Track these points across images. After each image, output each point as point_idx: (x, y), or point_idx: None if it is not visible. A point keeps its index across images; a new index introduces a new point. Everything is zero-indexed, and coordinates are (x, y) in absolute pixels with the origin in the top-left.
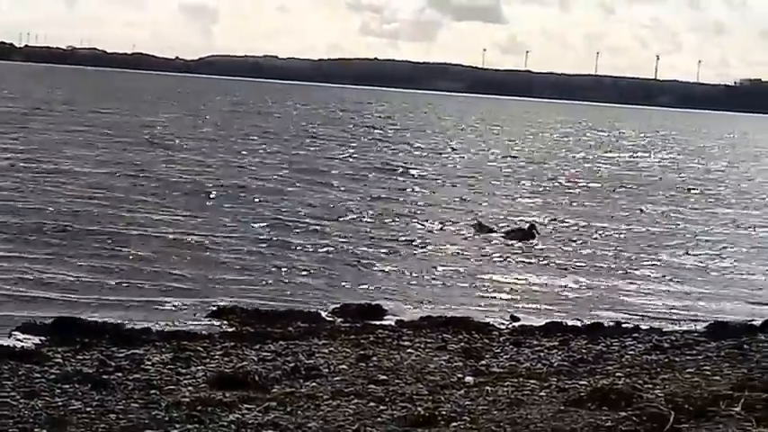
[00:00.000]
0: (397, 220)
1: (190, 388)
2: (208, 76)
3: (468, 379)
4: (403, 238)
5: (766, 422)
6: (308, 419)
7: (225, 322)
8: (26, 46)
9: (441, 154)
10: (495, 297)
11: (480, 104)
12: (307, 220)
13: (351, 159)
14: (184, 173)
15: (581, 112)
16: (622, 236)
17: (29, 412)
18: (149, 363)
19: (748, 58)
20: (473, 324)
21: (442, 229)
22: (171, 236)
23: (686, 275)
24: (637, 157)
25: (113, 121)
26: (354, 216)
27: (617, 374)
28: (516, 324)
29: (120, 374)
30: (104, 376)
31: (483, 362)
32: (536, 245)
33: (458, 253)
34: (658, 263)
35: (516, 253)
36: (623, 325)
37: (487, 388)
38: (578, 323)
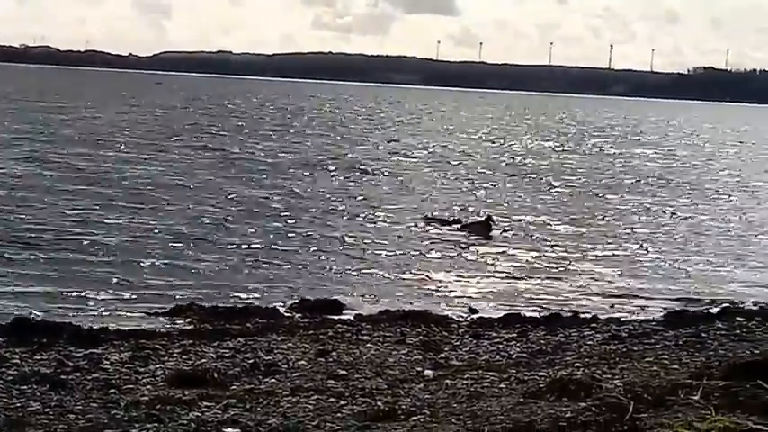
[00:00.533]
0: (348, 214)
1: (149, 386)
2: (164, 73)
3: (428, 372)
4: (356, 233)
5: (725, 410)
6: (267, 416)
7: (183, 320)
8: None
9: (395, 148)
10: (452, 290)
11: (435, 97)
12: (252, 215)
13: (300, 154)
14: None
15: (530, 102)
16: (576, 228)
17: None
18: (108, 362)
19: (701, 47)
20: (431, 317)
21: (396, 222)
22: (121, 235)
23: (638, 267)
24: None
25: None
26: (305, 210)
27: (576, 365)
28: (475, 316)
29: (78, 374)
30: (63, 376)
31: (442, 355)
32: (492, 237)
33: (412, 246)
34: (610, 254)
35: (473, 245)
36: (581, 315)
37: (447, 381)
38: (537, 314)
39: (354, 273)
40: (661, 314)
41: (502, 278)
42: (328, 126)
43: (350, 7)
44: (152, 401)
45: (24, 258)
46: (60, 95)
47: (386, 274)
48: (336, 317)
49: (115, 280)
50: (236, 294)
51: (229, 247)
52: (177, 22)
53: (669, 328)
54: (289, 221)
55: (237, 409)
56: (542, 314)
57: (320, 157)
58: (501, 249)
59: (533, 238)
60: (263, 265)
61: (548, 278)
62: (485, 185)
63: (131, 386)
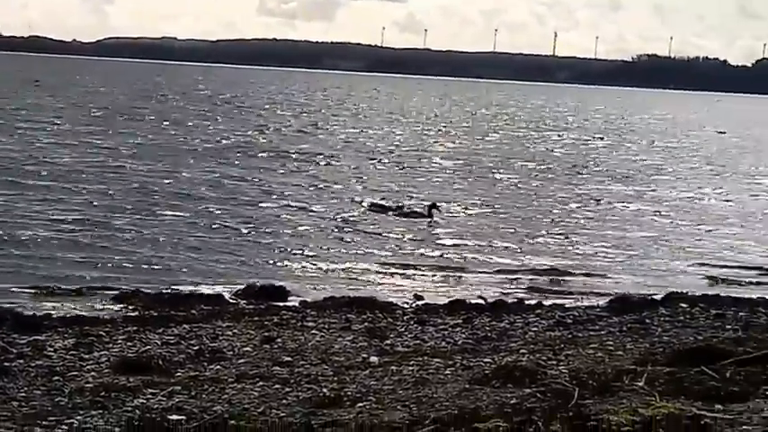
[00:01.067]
0: (289, 201)
1: (93, 373)
2: (109, 59)
3: (373, 359)
4: (298, 220)
5: (669, 396)
6: (212, 403)
7: (127, 306)
8: None
9: (337, 135)
10: (397, 277)
11: (378, 83)
12: (185, 200)
13: (233, 140)
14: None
15: (469, 89)
16: (519, 214)
17: None
18: (52, 349)
19: (644, 34)
20: (377, 303)
21: (340, 209)
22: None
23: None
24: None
25: None
26: (246, 197)
27: (521, 351)
28: (420, 303)
29: (21, 361)
30: (6, 363)
31: (387, 341)
32: (437, 224)
33: (356, 233)
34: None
35: (417, 232)
36: (526, 302)
37: (392, 367)
38: (482, 301)
39: (298, 259)
40: (606, 300)
41: (446, 265)
42: (256, 114)
43: None
44: (96, 388)
45: None
46: None
47: (330, 261)
48: (281, 303)
49: (47, 273)
50: (180, 280)
51: (165, 233)
52: (121, 7)
53: (614, 315)
54: (225, 207)
55: (182, 396)
56: (487, 300)
57: (250, 143)
58: (445, 236)
59: (477, 225)
60: (205, 253)
61: (492, 265)
62: (425, 173)
63: (75, 373)
